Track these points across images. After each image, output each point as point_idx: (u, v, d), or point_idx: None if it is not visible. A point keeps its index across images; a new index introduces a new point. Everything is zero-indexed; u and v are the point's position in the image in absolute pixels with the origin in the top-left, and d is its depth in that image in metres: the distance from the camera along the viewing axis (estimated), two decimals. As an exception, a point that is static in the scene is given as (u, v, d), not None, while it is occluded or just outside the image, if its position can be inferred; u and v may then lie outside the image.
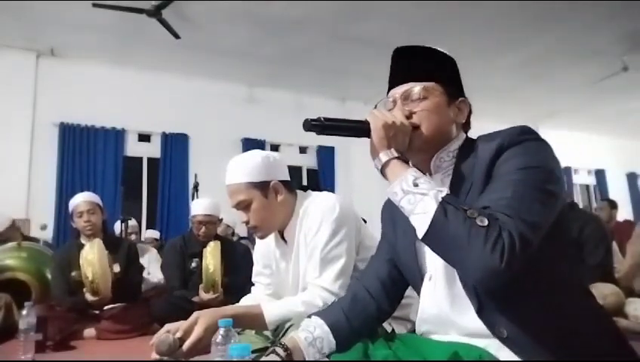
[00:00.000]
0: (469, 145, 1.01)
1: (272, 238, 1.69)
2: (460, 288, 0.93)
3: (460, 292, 0.93)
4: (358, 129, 0.99)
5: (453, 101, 1.05)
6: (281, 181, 1.59)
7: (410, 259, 1.06)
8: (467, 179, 0.96)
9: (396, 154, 0.95)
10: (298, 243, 1.58)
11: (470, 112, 1.08)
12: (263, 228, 1.59)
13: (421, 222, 0.85)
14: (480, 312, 0.90)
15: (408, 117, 1.01)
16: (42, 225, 5.44)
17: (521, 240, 0.79)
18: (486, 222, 0.81)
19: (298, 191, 1.65)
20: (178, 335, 1.20)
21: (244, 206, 1.54)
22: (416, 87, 1.02)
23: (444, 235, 0.84)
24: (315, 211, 1.54)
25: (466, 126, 1.08)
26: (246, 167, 1.55)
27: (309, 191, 1.67)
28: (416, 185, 0.89)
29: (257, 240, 1.75)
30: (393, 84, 1.08)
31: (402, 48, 1.10)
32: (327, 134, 1.00)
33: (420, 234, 0.86)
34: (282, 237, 1.66)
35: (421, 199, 0.86)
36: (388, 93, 1.08)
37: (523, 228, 0.80)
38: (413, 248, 1.05)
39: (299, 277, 1.59)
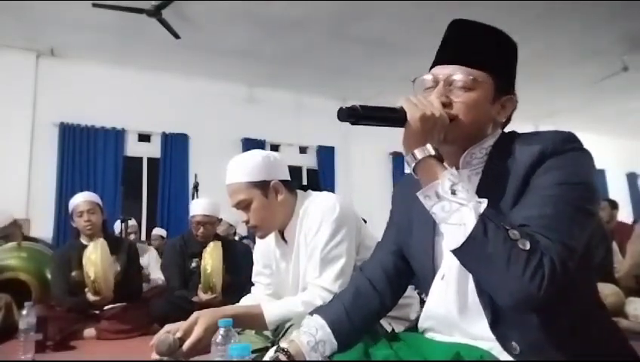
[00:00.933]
0: (505, 144, 0.93)
1: (272, 238, 1.68)
2: (471, 295, 0.90)
3: (471, 299, 0.90)
4: (395, 119, 0.89)
5: (500, 97, 0.95)
6: (282, 181, 1.58)
7: (424, 254, 1.01)
8: (499, 181, 0.89)
9: (432, 152, 0.87)
10: (298, 243, 1.58)
11: (514, 108, 0.99)
12: (263, 227, 1.59)
13: (456, 233, 0.80)
14: (493, 326, 0.87)
15: (446, 104, 0.92)
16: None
17: (562, 267, 0.75)
18: (528, 246, 0.76)
19: (298, 191, 1.65)
20: (178, 335, 1.20)
21: (244, 205, 1.54)
22: (464, 75, 0.92)
23: (480, 253, 0.78)
24: (316, 211, 1.53)
25: (506, 122, 1.00)
26: (246, 167, 1.55)
27: (310, 191, 1.66)
28: (453, 192, 0.82)
29: (257, 240, 1.75)
30: (440, 60, 0.97)
31: (459, 22, 0.99)
32: (362, 124, 0.90)
33: (453, 245, 0.80)
34: (282, 237, 1.65)
35: (458, 209, 0.80)
36: (431, 67, 0.98)
37: (564, 255, 0.76)
38: (429, 243, 0.99)
39: (299, 277, 1.59)
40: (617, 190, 10.00)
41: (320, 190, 1.69)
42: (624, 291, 3.08)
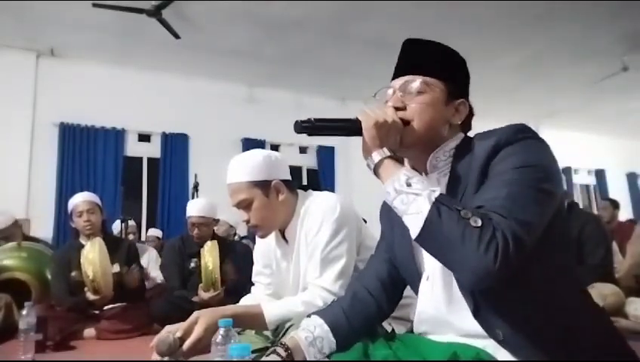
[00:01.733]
0: (466, 145, 0.99)
1: (272, 238, 1.68)
2: (457, 289, 0.93)
3: (457, 293, 0.93)
4: (350, 128, 0.98)
5: (452, 101, 1.02)
6: (283, 180, 1.58)
7: (407, 259, 1.06)
8: (463, 178, 0.94)
9: (389, 154, 0.94)
10: (299, 243, 1.58)
11: (471, 115, 1.06)
12: (264, 227, 1.58)
13: (414, 222, 0.84)
14: (476, 313, 0.89)
15: (401, 108, 0.99)
16: None
17: (515, 241, 0.78)
18: (480, 223, 0.79)
19: (299, 191, 1.65)
20: (178, 334, 1.20)
21: (245, 205, 1.54)
22: (416, 80, 1.00)
23: (437, 236, 0.82)
24: (317, 211, 1.53)
25: (466, 127, 1.06)
26: (247, 166, 1.55)
27: (310, 191, 1.66)
28: (409, 184, 0.87)
29: (257, 240, 1.75)
30: (396, 74, 1.06)
31: (412, 40, 1.08)
32: (319, 135, 1.00)
33: (414, 234, 0.85)
34: (283, 237, 1.65)
35: (414, 199, 0.85)
36: (391, 81, 1.06)
37: (517, 229, 0.79)
38: (410, 248, 1.04)
39: (299, 277, 1.59)
40: (617, 190, 10.00)
41: (320, 190, 1.69)
42: (624, 291, 3.08)
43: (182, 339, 1.20)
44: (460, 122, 1.04)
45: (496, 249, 0.77)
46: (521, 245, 0.79)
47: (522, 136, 0.91)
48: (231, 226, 4.76)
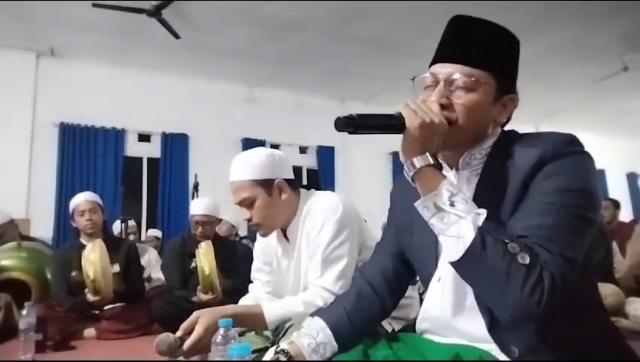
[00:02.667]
0: (504, 144, 0.91)
1: (273, 236, 1.68)
2: (468, 298, 0.89)
3: (469, 302, 0.89)
4: (394, 126, 0.87)
5: (501, 97, 0.93)
6: (285, 179, 1.58)
7: (427, 257, 1.00)
8: (498, 183, 0.87)
9: (431, 161, 0.85)
10: (300, 242, 1.58)
11: (516, 106, 0.97)
12: (266, 226, 1.58)
13: (454, 246, 0.78)
14: (491, 330, 0.86)
15: (446, 106, 0.89)
16: None
17: (562, 281, 0.75)
18: (527, 261, 0.74)
19: (302, 190, 1.65)
20: (178, 334, 1.20)
21: (247, 203, 1.54)
22: (465, 75, 0.89)
23: (479, 267, 0.77)
24: (319, 211, 1.53)
25: (506, 121, 0.97)
26: (250, 165, 1.54)
27: (313, 190, 1.66)
28: (452, 203, 0.80)
29: (258, 237, 1.74)
30: (440, 57, 0.93)
31: (461, 18, 0.95)
32: (361, 133, 0.88)
33: (452, 258, 0.80)
34: (285, 236, 1.65)
35: (456, 221, 0.79)
36: (432, 64, 0.95)
37: (564, 268, 0.75)
38: (434, 245, 0.97)
39: (300, 276, 1.59)
40: (617, 190, 9.99)
41: (320, 190, 1.69)
42: (624, 291, 3.08)
43: (182, 339, 1.20)
44: (505, 120, 0.96)
45: (542, 291, 0.74)
46: (566, 283, 0.76)
47: (570, 150, 0.84)
48: (233, 226, 4.75)
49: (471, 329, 0.90)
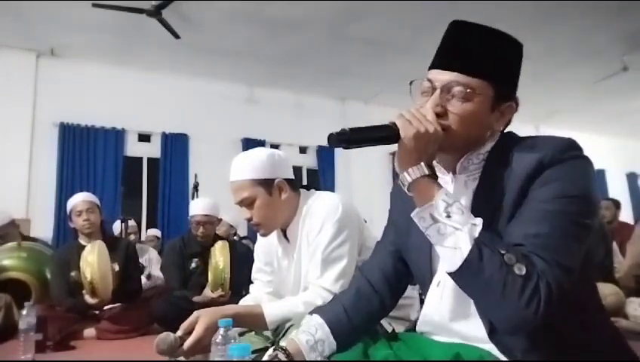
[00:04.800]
0: (503, 149, 0.91)
1: (274, 236, 1.68)
2: (467, 303, 0.89)
3: (469, 307, 0.89)
4: (388, 138, 0.87)
5: (499, 105, 0.92)
6: (286, 179, 1.58)
7: (422, 259, 1.01)
8: (496, 189, 0.87)
9: (427, 172, 0.85)
10: (300, 242, 1.58)
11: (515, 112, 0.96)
12: (266, 225, 1.58)
13: (451, 257, 0.79)
14: (492, 335, 0.86)
15: (441, 114, 0.89)
16: None
17: (558, 290, 0.75)
18: (524, 271, 0.75)
19: (302, 190, 1.65)
20: (179, 334, 1.20)
21: (247, 203, 1.54)
22: (461, 85, 0.88)
23: (476, 278, 0.78)
24: (319, 211, 1.53)
25: (505, 126, 0.97)
26: (251, 164, 1.55)
27: (313, 190, 1.66)
28: (448, 214, 0.80)
29: (259, 237, 1.74)
30: (438, 64, 0.92)
31: (461, 23, 0.94)
32: (355, 147, 0.87)
33: (449, 269, 0.80)
34: (285, 236, 1.65)
35: (453, 232, 0.79)
36: (430, 69, 0.94)
37: (561, 278, 0.76)
38: (428, 249, 0.97)
39: (300, 276, 1.59)
40: (617, 190, 9.99)
41: (320, 190, 1.69)
42: (624, 291, 3.08)
43: (182, 339, 1.20)
44: (502, 127, 0.95)
45: (538, 301, 0.74)
46: (563, 292, 0.76)
47: (569, 155, 0.84)
48: (231, 226, 4.76)
49: (471, 332, 0.90)
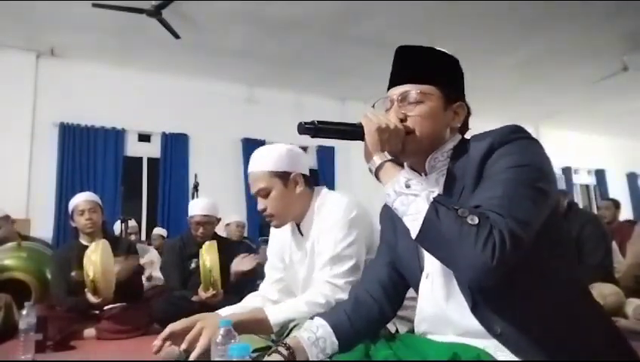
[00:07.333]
0: (463, 146, 1.02)
1: (288, 230, 1.71)
2: (456, 286, 0.94)
3: (456, 290, 0.94)
4: (352, 132, 1.01)
5: (451, 105, 1.05)
6: (302, 174, 1.63)
7: (411, 259, 1.07)
8: (460, 178, 0.97)
9: (389, 157, 0.97)
10: (313, 237, 1.60)
11: (469, 115, 1.09)
12: (280, 216, 1.62)
13: (414, 222, 0.87)
14: (474, 309, 0.91)
15: (403, 120, 1.02)
16: None
17: (512, 238, 0.80)
18: (477, 221, 0.82)
19: (316, 188, 1.69)
20: (183, 347, 1.19)
21: (264, 193, 1.58)
22: (413, 91, 1.03)
23: (436, 235, 0.85)
24: (330, 209, 1.56)
25: (463, 128, 1.09)
26: (270, 156, 1.60)
27: (325, 188, 1.70)
28: (408, 186, 0.90)
29: (272, 232, 1.78)
30: (393, 83, 1.08)
31: (404, 48, 1.09)
32: (321, 137, 1.02)
33: (414, 234, 0.88)
34: (299, 230, 1.68)
35: (413, 200, 0.88)
36: (387, 91, 1.09)
37: (514, 226, 0.81)
38: (414, 247, 1.05)
39: (313, 270, 1.60)
40: (617, 190, 10.00)
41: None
42: (624, 291, 3.08)
43: (187, 351, 1.19)
44: (459, 125, 1.07)
45: (493, 246, 0.79)
46: (519, 242, 0.81)
47: (516, 136, 0.93)
48: (238, 226, 4.77)
49: (464, 319, 0.93)
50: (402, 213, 0.90)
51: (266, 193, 1.58)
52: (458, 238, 0.82)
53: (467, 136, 1.08)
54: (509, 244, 0.79)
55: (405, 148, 1.01)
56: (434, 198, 0.86)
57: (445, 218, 0.84)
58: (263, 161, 1.60)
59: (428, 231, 0.85)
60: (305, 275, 1.64)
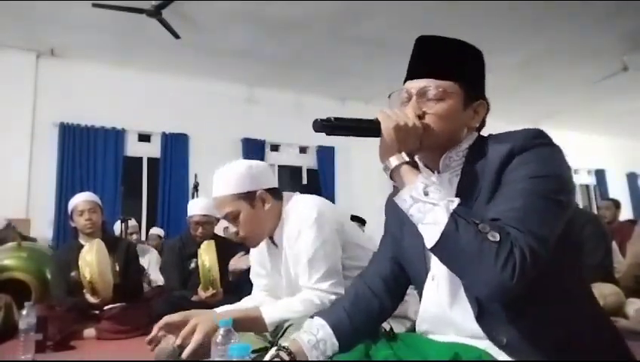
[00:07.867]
0: (480, 145, 0.98)
1: (264, 241, 1.70)
2: (462, 291, 0.93)
3: (462, 295, 0.93)
4: (369, 129, 0.95)
5: (471, 103, 1.00)
6: (268, 189, 1.60)
7: (417, 258, 1.05)
8: (476, 181, 0.94)
9: (406, 159, 0.92)
10: (285, 246, 1.60)
11: (487, 112, 1.05)
12: (253, 238, 1.61)
13: (431, 232, 0.84)
14: (479, 318, 0.90)
15: (421, 116, 0.97)
16: None
17: (532, 256, 0.78)
18: (498, 238, 0.79)
19: (284, 194, 1.67)
20: (177, 342, 1.20)
21: (232, 217, 1.56)
22: (433, 87, 0.97)
23: (454, 248, 0.82)
24: (294, 217, 1.56)
25: (481, 126, 1.05)
26: (231, 179, 1.56)
27: (293, 194, 1.69)
28: (426, 193, 0.86)
29: None
30: (411, 75, 1.02)
31: (426, 38, 1.03)
32: (337, 134, 0.96)
33: (429, 244, 0.85)
34: (272, 241, 1.67)
35: (431, 209, 0.85)
36: (405, 82, 1.03)
37: (534, 244, 0.79)
38: (421, 248, 1.00)
39: (291, 278, 1.61)
40: (617, 190, 10.00)
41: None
42: (624, 291, 3.08)
43: (181, 347, 1.19)
44: (477, 125, 1.03)
45: (513, 265, 0.77)
46: (538, 260, 0.79)
47: (538, 142, 0.90)
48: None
49: (467, 323, 0.92)
50: (418, 220, 0.87)
51: (233, 216, 1.55)
52: (478, 255, 0.79)
53: (483, 132, 1.05)
54: (529, 263, 0.78)
55: (422, 144, 0.96)
56: (454, 210, 0.83)
57: (465, 232, 0.81)
58: (225, 184, 1.55)
59: (446, 243, 0.83)
60: (285, 284, 1.64)
